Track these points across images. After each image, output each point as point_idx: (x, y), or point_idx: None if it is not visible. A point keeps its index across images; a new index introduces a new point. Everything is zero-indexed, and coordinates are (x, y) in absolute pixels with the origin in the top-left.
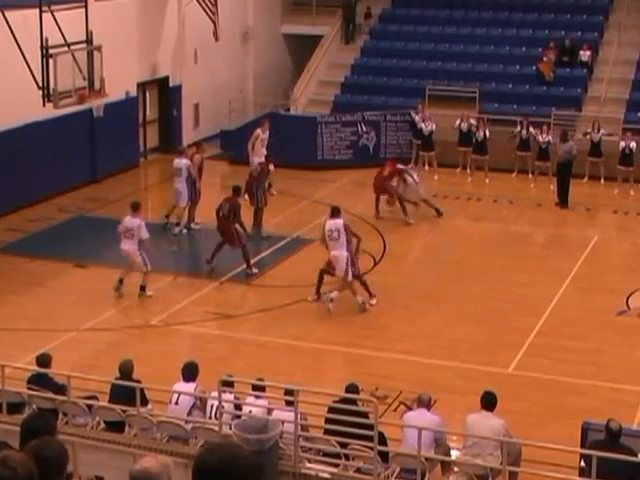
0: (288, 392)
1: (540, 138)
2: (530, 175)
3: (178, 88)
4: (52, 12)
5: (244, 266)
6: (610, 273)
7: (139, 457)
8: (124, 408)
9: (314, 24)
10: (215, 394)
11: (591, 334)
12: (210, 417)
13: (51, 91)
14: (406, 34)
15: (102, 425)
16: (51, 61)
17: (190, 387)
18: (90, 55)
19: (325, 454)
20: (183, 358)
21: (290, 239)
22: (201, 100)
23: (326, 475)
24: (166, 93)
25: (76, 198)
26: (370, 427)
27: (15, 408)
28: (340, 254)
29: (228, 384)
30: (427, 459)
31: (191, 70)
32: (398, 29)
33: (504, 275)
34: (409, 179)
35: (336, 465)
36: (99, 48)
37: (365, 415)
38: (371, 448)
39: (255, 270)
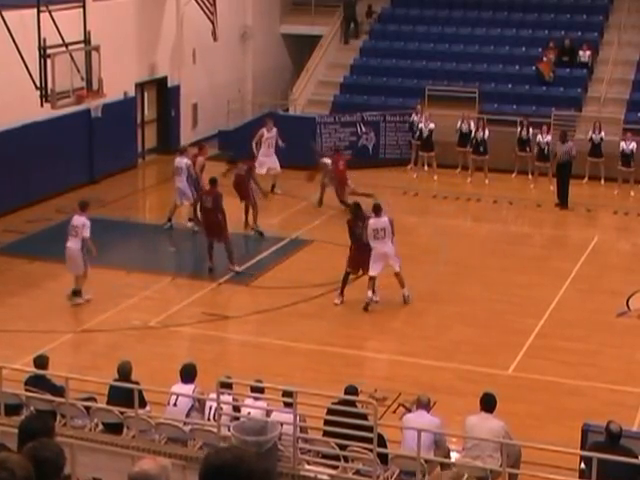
0: (287, 394)
1: (540, 138)
2: (530, 176)
3: (176, 88)
4: (50, 12)
5: (243, 267)
6: (610, 274)
7: (137, 459)
8: (122, 410)
9: (313, 24)
10: (213, 396)
11: (591, 335)
12: (209, 419)
13: (49, 91)
14: (405, 34)
15: (100, 427)
16: (49, 61)
17: (188, 389)
18: (88, 55)
19: (324, 456)
20: (181, 360)
21: (289, 240)
22: (200, 100)
23: (325, 477)
24: (164, 93)
25: (74, 199)
26: (369, 429)
27: (13, 410)
28: (390, 249)
29: (226, 386)
30: (427, 461)
31: (189, 70)
32: (397, 29)
33: (504, 276)
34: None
35: (335, 467)
36: (97, 48)
37: (364, 417)
38: (370, 450)
39: (237, 268)
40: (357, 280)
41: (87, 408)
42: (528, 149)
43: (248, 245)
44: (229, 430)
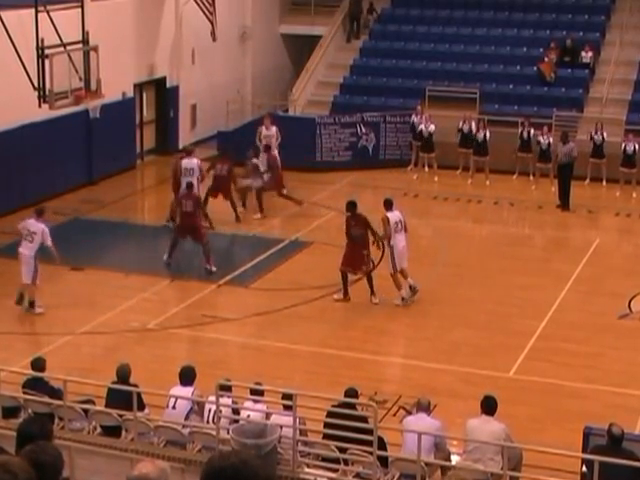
0: (286, 396)
1: (541, 139)
2: (531, 177)
3: (175, 89)
4: (48, 12)
5: (243, 269)
6: (612, 276)
7: (136, 462)
8: (121, 412)
9: (313, 24)
10: (213, 398)
11: (593, 338)
12: (208, 422)
13: (47, 92)
14: (406, 34)
15: (98, 430)
16: (47, 62)
17: (187, 391)
18: (86, 55)
19: (324, 459)
20: (180, 362)
21: (289, 241)
22: (198, 101)
23: None
24: (163, 94)
25: (72, 200)
26: (369, 432)
27: (10, 412)
28: (405, 243)
29: (226, 388)
30: (427, 464)
31: (188, 71)
32: (397, 29)
33: (505, 278)
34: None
35: (335, 470)
36: (95, 48)
37: (364, 419)
38: (370, 453)
39: (214, 268)
40: (358, 281)
41: (85, 411)
42: (529, 150)
43: (248, 246)
44: (228, 433)
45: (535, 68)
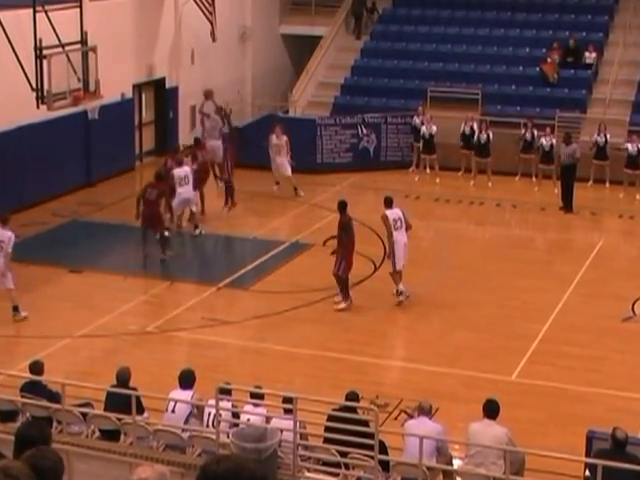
0: (287, 400)
1: (544, 140)
2: (534, 178)
3: (175, 90)
4: (46, 12)
5: (243, 271)
6: (615, 279)
7: (135, 466)
8: (120, 416)
9: (313, 24)
10: (212, 402)
11: (596, 341)
12: (207, 425)
13: (45, 93)
14: (407, 34)
15: (97, 434)
16: (45, 62)
17: (187, 395)
18: (85, 56)
19: (325, 463)
20: (180, 365)
21: (289, 244)
22: (198, 102)
23: None
24: (162, 95)
25: (70, 202)
26: (371, 436)
27: (8, 416)
28: (406, 239)
29: (225, 392)
30: (429, 468)
31: (188, 71)
32: (399, 29)
33: (507, 280)
34: None
35: (336, 474)
36: (94, 49)
37: (365, 423)
38: (372, 457)
39: (170, 252)
40: (358, 284)
41: (84, 414)
42: (532, 151)
43: (248, 248)
44: (228, 437)
45: (538, 69)
